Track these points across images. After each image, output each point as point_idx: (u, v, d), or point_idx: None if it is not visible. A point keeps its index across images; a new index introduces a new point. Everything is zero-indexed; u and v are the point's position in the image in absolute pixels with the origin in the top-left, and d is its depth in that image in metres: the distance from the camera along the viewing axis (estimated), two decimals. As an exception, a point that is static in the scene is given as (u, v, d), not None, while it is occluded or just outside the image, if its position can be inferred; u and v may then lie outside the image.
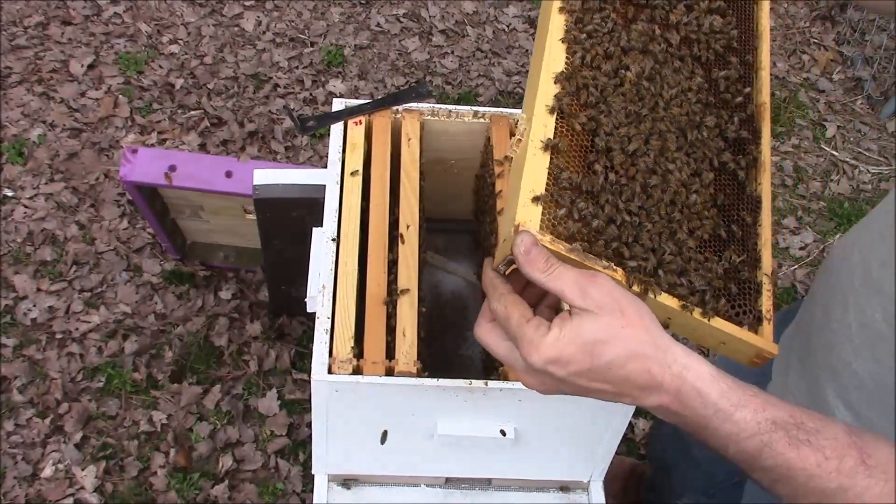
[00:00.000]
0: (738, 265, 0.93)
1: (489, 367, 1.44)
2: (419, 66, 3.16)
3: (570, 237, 0.86)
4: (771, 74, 0.96)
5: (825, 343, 1.10)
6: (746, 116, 1.00)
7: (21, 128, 2.78)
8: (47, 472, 2.14)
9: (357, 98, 2.45)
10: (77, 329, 2.37)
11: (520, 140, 0.92)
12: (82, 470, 2.14)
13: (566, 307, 0.82)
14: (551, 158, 0.89)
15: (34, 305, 2.40)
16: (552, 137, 0.90)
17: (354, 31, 3.23)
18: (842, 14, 3.48)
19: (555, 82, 0.93)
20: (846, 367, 1.05)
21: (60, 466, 2.16)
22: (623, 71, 0.95)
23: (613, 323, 0.77)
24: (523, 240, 0.81)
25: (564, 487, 1.46)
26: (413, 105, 1.53)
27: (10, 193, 2.62)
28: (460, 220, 1.74)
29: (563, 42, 0.95)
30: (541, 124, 0.90)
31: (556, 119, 0.91)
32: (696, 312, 0.89)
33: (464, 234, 1.75)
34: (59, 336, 2.36)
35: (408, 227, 1.38)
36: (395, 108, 1.52)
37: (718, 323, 0.89)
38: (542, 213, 0.85)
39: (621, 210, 0.89)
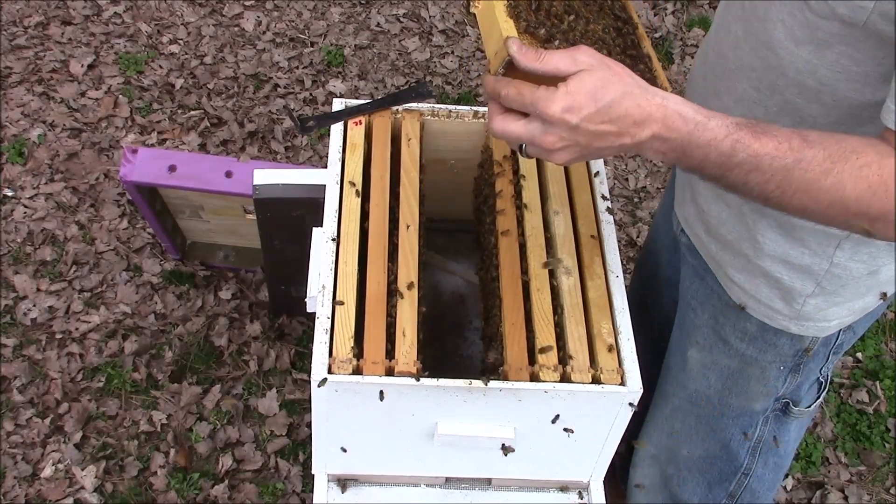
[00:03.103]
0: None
1: (489, 368, 1.44)
2: (419, 66, 3.16)
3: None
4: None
5: None
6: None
7: (21, 128, 2.78)
8: (47, 472, 2.14)
9: (357, 98, 2.45)
10: (77, 329, 2.37)
11: (476, 4, 1.13)
12: (82, 470, 2.14)
13: None
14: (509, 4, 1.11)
15: (34, 305, 2.40)
16: None
17: (354, 31, 3.23)
18: None
19: None
20: None
21: (60, 466, 2.16)
22: None
23: (605, 74, 0.96)
24: (513, 42, 1.00)
25: (564, 487, 1.46)
26: (413, 105, 1.53)
27: (10, 193, 2.63)
28: (460, 220, 1.74)
29: None
30: None
31: None
32: None
33: (464, 234, 1.75)
34: (59, 336, 2.36)
35: (408, 227, 1.38)
36: (395, 108, 1.52)
37: None
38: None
39: (571, 30, 1.12)
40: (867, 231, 1.00)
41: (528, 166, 1.50)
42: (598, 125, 0.96)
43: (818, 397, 1.49)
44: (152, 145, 2.79)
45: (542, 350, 1.27)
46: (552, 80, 0.97)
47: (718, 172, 0.98)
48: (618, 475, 2.07)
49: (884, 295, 1.29)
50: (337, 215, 1.36)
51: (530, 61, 0.98)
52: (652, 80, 1.18)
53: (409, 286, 1.30)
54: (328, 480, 1.42)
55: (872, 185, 0.93)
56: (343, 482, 1.43)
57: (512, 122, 1.00)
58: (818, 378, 1.45)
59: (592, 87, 0.94)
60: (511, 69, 1.01)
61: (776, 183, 0.96)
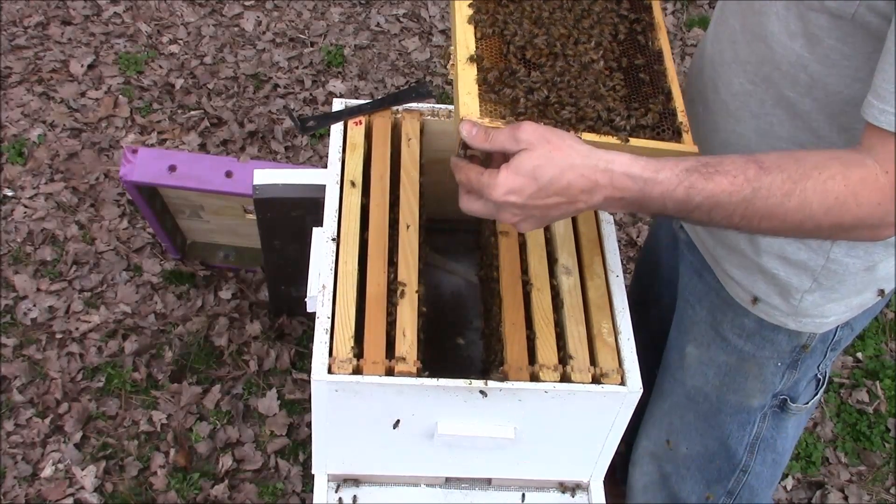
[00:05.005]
0: (649, 98, 1.16)
1: (489, 368, 1.44)
2: (419, 66, 3.16)
3: (504, 116, 1.10)
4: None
5: (711, 126, 1.25)
6: None
7: (21, 128, 2.78)
8: (47, 472, 2.14)
9: (357, 98, 2.45)
10: (77, 329, 2.37)
11: (453, 64, 1.16)
12: (82, 470, 2.14)
13: None
14: (476, 66, 1.13)
15: (34, 305, 2.40)
16: (474, 51, 1.15)
17: (354, 31, 3.23)
18: None
19: (468, 6, 1.19)
20: (732, 134, 1.21)
21: (60, 466, 2.16)
22: None
23: (543, 151, 0.98)
24: (464, 126, 1.06)
25: (564, 487, 1.46)
26: (413, 105, 1.53)
27: (10, 193, 2.63)
28: (460, 220, 1.73)
29: None
30: (463, 45, 1.16)
31: (475, 35, 1.16)
32: (614, 138, 1.10)
33: (464, 234, 1.75)
34: (59, 336, 2.36)
35: (408, 227, 1.38)
36: (395, 108, 1.52)
37: (642, 143, 1.11)
38: (480, 105, 1.10)
39: (539, 88, 1.12)
40: (850, 238, 1.00)
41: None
42: (545, 199, 1.00)
43: (816, 394, 1.49)
44: (152, 145, 2.79)
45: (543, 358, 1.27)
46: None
47: (681, 215, 1.01)
48: (618, 475, 2.07)
49: (881, 292, 1.29)
50: (337, 215, 1.36)
51: (480, 143, 1.04)
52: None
53: (409, 286, 1.30)
54: (328, 480, 1.42)
55: (840, 196, 0.94)
56: (343, 482, 1.43)
57: (473, 202, 1.05)
58: (816, 375, 1.45)
59: (531, 167, 0.98)
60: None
61: (740, 215, 0.98)
